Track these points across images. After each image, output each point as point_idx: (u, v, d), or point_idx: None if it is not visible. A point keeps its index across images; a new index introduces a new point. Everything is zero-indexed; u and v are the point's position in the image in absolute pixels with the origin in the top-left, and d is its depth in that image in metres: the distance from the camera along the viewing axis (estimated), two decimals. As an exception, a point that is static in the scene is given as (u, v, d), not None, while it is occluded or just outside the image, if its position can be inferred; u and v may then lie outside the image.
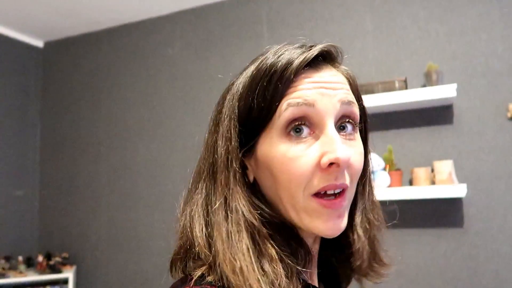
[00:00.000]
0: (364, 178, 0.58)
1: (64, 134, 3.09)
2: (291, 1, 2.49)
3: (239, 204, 0.49)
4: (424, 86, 2.10)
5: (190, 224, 0.52)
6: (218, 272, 0.46)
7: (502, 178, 1.96)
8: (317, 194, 0.49)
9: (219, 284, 0.46)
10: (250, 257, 0.46)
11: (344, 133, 0.51)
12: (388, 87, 2.05)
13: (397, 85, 2.05)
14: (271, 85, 0.49)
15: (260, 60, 0.52)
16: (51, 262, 2.70)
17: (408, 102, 2.01)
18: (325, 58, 0.53)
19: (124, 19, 2.91)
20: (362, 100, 0.57)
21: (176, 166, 2.69)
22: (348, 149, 0.49)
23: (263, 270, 0.46)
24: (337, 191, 0.49)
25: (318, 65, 0.51)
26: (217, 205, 0.50)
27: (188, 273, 0.51)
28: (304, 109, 0.48)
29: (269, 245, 0.48)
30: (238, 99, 0.52)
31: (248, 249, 0.46)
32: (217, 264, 0.47)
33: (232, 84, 0.55)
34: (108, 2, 2.66)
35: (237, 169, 0.50)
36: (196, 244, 0.50)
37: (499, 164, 1.97)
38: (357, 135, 0.53)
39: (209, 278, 0.47)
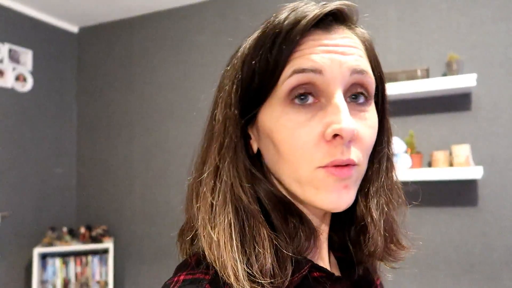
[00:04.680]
0: (381, 154, 0.52)
1: (99, 116, 3.28)
2: (318, -9, 2.60)
3: (229, 174, 0.45)
4: (444, 75, 2.23)
5: (189, 195, 0.49)
6: (201, 250, 0.43)
7: (515, 162, 2.11)
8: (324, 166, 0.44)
9: (214, 270, 0.42)
10: (231, 233, 0.41)
11: (355, 104, 0.46)
12: (411, 76, 2.19)
13: (419, 73, 2.19)
14: (275, 48, 0.44)
15: (269, 19, 0.47)
16: (93, 234, 2.93)
17: (429, 90, 2.14)
18: (338, 19, 0.48)
19: (156, 7, 3.04)
20: (379, 66, 0.51)
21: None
22: (355, 120, 0.44)
23: (243, 249, 0.41)
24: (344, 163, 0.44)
25: (329, 26, 0.46)
26: (206, 173, 0.46)
27: (188, 256, 0.49)
28: (311, 76, 0.43)
29: (258, 224, 0.43)
30: (242, 62, 0.47)
31: (230, 224, 0.42)
32: (200, 240, 0.43)
33: (240, 46, 0.50)
34: (143, -9, 2.79)
35: (233, 136, 0.46)
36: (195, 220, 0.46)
37: (513, 149, 2.12)
38: (371, 107, 0.48)
39: (205, 264, 0.44)
